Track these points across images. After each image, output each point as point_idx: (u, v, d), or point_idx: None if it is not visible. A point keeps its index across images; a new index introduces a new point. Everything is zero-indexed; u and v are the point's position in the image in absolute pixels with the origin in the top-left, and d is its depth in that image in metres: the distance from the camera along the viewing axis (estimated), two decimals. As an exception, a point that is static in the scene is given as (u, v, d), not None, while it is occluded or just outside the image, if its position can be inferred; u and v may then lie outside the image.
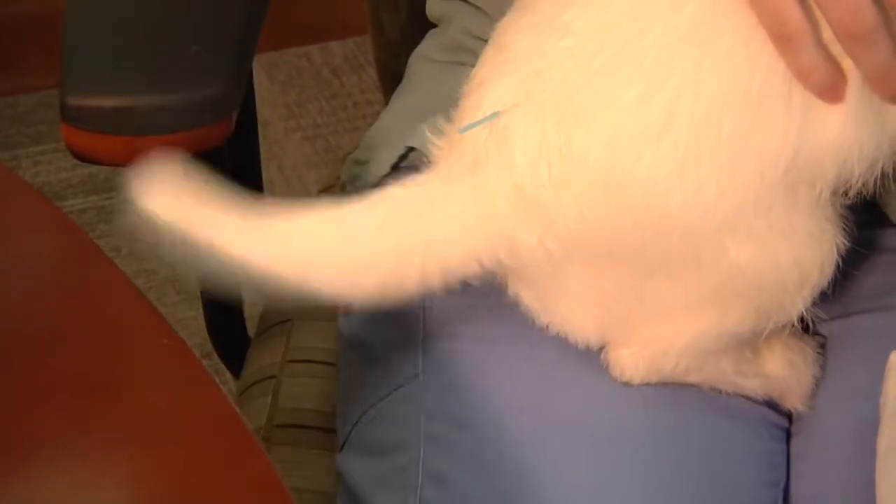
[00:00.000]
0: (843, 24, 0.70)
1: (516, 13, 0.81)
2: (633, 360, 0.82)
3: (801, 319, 0.82)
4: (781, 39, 0.72)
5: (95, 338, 0.71)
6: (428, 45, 1.03)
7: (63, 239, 0.80)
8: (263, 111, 1.97)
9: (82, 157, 0.87)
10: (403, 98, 1.02)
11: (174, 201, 0.74)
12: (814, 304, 0.81)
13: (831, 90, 0.74)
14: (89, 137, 0.86)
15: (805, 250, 0.79)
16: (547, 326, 0.82)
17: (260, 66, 2.06)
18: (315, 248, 0.77)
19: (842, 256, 0.81)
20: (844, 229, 0.81)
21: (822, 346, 0.89)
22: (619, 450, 0.83)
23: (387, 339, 0.91)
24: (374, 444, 0.89)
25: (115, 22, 0.94)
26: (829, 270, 0.80)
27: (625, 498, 0.81)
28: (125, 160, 0.82)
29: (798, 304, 0.81)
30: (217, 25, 0.95)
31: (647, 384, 0.83)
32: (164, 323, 0.71)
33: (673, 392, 0.84)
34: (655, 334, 0.82)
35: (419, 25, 1.05)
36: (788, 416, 0.88)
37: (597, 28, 0.77)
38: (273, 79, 2.11)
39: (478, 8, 0.93)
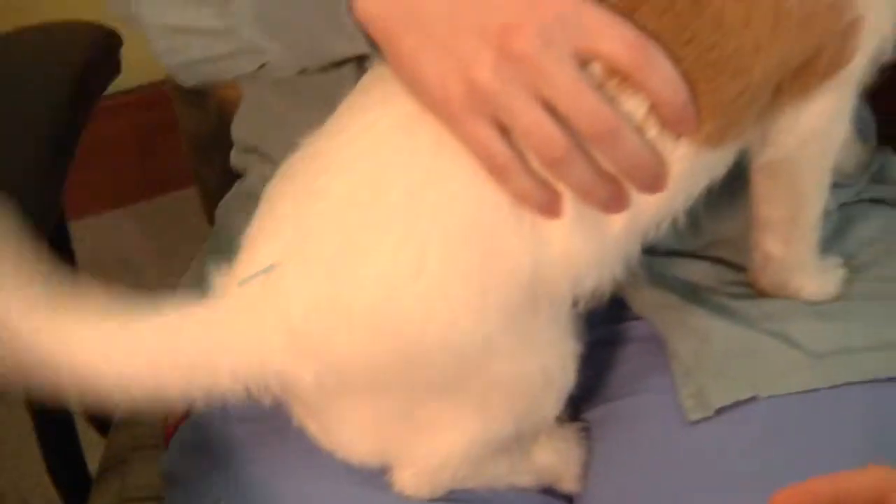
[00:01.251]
0: (541, 152, 0.77)
1: (279, 180, 0.89)
2: (415, 479, 0.87)
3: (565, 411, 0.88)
4: (494, 171, 0.78)
5: None
6: (232, 194, 1.09)
7: None
8: (136, 258, 2.01)
9: None
10: (209, 242, 1.09)
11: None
12: (574, 396, 0.89)
13: (548, 208, 0.79)
14: None
15: (549, 358, 0.85)
16: (335, 449, 0.87)
17: (131, 217, 2.14)
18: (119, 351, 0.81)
19: (594, 350, 0.90)
20: (587, 327, 0.87)
21: (586, 429, 0.94)
22: None
23: (196, 470, 0.94)
24: None
25: None
26: (573, 373, 0.86)
27: None
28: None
29: (551, 406, 0.86)
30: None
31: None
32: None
33: (452, 490, 0.89)
34: (431, 450, 0.86)
35: (232, 177, 1.11)
36: (568, 498, 0.93)
37: (345, 191, 0.84)
38: (145, 227, 2.14)
39: (270, 158, 0.98)
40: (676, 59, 0.81)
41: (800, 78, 0.87)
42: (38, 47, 1.21)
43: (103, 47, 1.18)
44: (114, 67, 1.19)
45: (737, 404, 0.90)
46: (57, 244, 1.14)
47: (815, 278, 0.99)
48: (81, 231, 1.77)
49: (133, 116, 2.13)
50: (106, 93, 1.32)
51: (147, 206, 2.17)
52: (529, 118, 0.78)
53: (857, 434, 0.92)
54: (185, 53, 1.00)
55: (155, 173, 2.15)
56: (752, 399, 0.90)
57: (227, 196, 1.10)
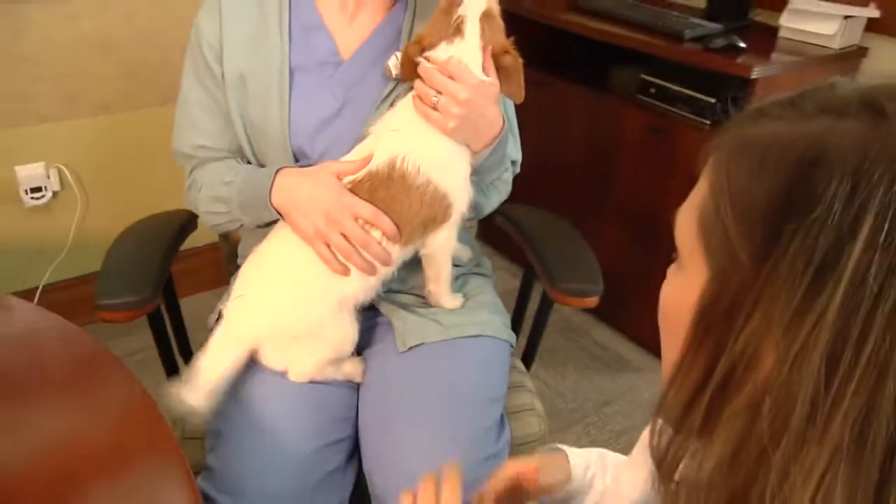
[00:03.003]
0: (342, 254, 0.90)
1: (245, 264, 0.96)
2: (295, 375, 0.93)
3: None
4: (326, 261, 0.91)
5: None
6: (235, 276, 1.09)
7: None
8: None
9: (106, 321, 0.95)
10: (225, 294, 1.07)
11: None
12: (358, 345, 0.97)
13: (346, 273, 0.91)
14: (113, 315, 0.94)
15: (348, 329, 0.96)
16: (267, 365, 0.94)
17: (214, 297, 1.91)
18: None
19: (365, 327, 0.99)
20: (362, 318, 0.97)
21: (364, 359, 0.99)
22: (287, 406, 0.90)
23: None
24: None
25: (118, 266, 1.00)
26: (356, 336, 0.96)
27: (282, 422, 0.89)
28: (122, 320, 0.94)
29: (349, 348, 0.96)
30: (144, 269, 1.00)
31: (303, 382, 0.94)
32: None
33: (308, 384, 0.93)
34: (304, 362, 0.94)
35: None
36: (357, 385, 0.99)
37: (270, 267, 0.94)
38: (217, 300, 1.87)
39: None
40: (390, 216, 0.90)
41: (431, 224, 0.94)
42: (167, 219, 1.14)
43: (189, 219, 1.14)
44: (194, 226, 1.17)
45: (417, 346, 0.97)
46: (174, 312, 1.14)
47: (450, 300, 1.04)
48: (187, 304, 1.82)
49: (210, 253, 1.86)
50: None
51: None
52: (338, 242, 0.89)
53: (466, 357, 0.97)
54: (213, 221, 1.03)
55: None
56: (422, 343, 0.97)
57: (233, 276, 1.08)
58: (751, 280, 0.39)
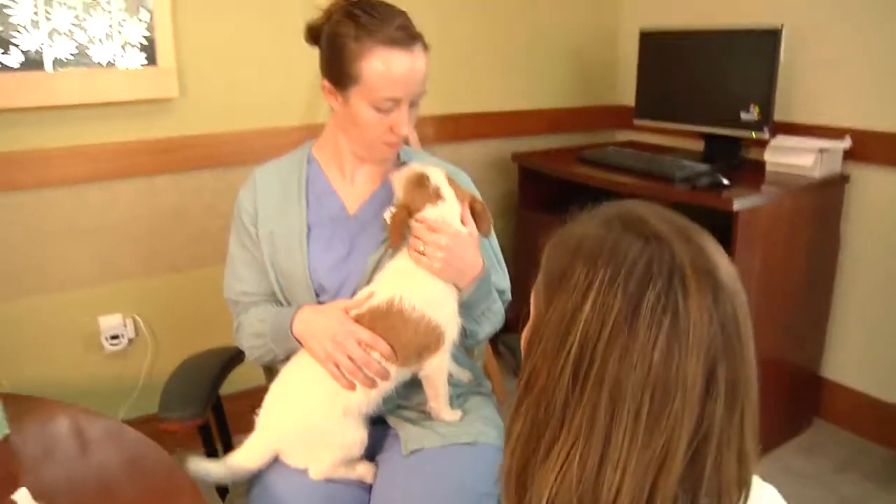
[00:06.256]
0: (347, 372, 1.03)
1: (275, 381, 1.10)
2: (314, 473, 1.04)
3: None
4: (335, 378, 1.04)
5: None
6: None
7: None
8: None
9: (164, 431, 1.10)
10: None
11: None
12: (367, 450, 1.07)
13: (352, 388, 1.04)
14: (169, 426, 1.11)
15: (356, 434, 1.06)
16: (289, 464, 1.06)
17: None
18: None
19: (374, 435, 1.09)
20: (370, 426, 1.08)
21: (376, 463, 1.10)
22: (302, 502, 1.02)
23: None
24: None
25: (176, 388, 1.17)
26: (365, 440, 1.06)
27: None
28: (176, 430, 1.10)
29: (357, 451, 1.07)
30: (196, 391, 1.16)
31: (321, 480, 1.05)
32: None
33: (324, 482, 1.04)
34: (320, 461, 1.04)
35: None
36: (370, 486, 1.09)
37: (289, 383, 1.06)
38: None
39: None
40: (387, 340, 1.02)
41: (425, 351, 1.06)
42: (216, 353, 1.28)
43: (236, 353, 1.25)
44: (241, 360, 1.28)
45: (418, 450, 1.07)
46: (222, 428, 1.28)
47: (449, 415, 1.13)
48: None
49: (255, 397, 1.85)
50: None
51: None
52: (343, 362, 1.03)
53: (461, 458, 1.06)
54: (254, 355, 1.18)
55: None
56: (422, 448, 1.08)
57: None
58: (542, 325, 0.58)
